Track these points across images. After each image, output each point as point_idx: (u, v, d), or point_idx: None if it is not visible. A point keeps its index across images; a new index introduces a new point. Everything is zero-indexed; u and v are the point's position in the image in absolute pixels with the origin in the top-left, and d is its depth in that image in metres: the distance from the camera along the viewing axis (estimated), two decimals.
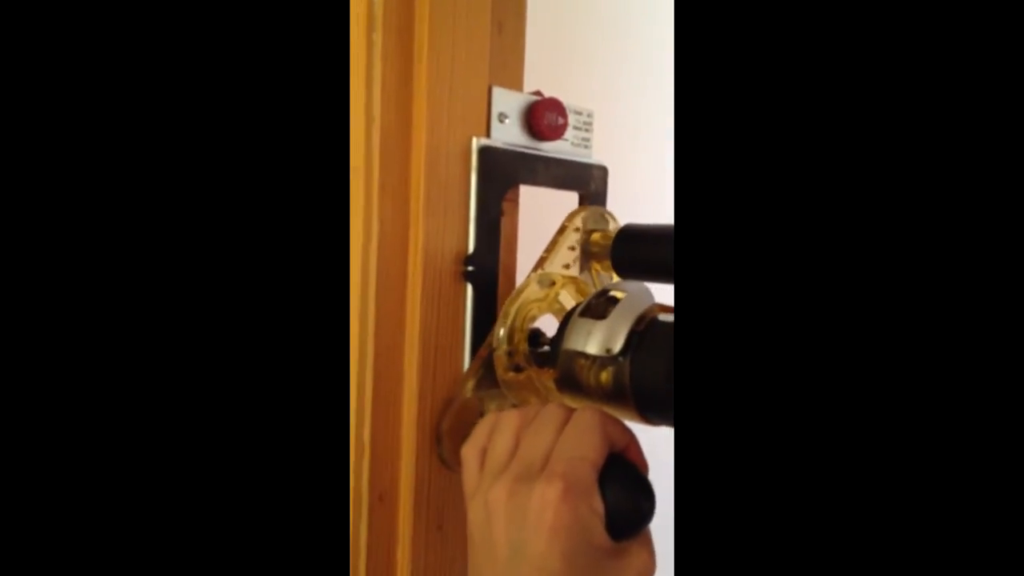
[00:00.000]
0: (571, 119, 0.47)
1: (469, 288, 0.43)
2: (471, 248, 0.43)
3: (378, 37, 0.40)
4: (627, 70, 0.46)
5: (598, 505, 0.31)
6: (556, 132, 0.46)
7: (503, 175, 0.44)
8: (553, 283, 0.44)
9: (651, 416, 0.36)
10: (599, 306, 0.37)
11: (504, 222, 0.44)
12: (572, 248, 0.47)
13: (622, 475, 0.33)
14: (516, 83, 0.46)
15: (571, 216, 0.47)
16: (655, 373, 0.34)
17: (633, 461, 0.34)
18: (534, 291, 0.44)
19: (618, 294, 0.38)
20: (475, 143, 0.42)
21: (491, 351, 0.43)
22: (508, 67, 0.46)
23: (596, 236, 0.47)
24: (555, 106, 0.46)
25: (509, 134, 0.45)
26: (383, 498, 0.42)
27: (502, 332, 0.42)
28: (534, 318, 0.44)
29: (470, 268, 0.43)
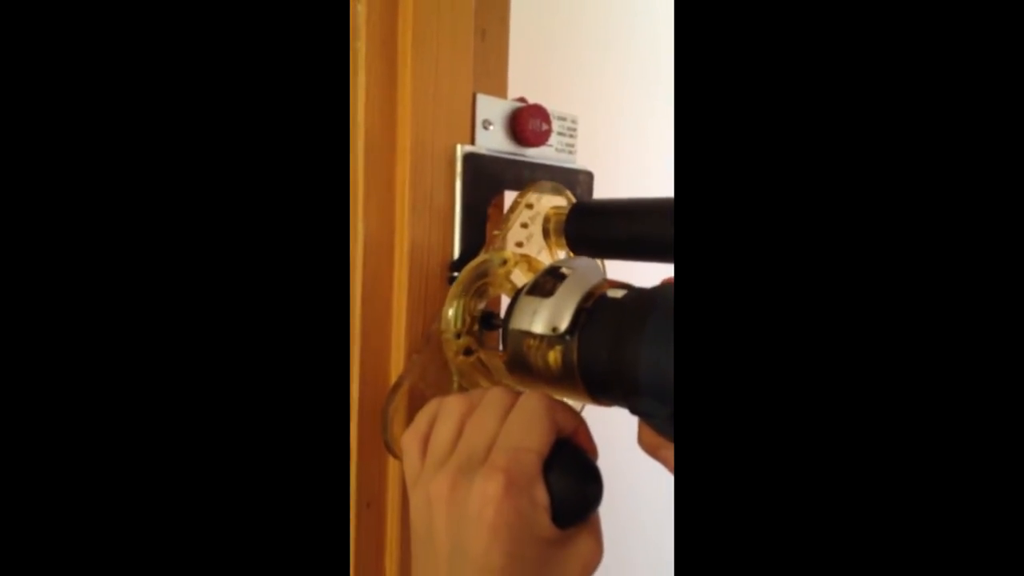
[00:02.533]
0: (555, 125, 0.48)
1: None
2: (456, 254, 0.43)
3: (361, 45, 0.40)
4: (611, 75, 0.47)
5: (542, 496, 0.30)
6: (540, 138, 0.46)
7: (488, 181, 0.44)
8: (505, 261, 0.43)
9: (601, 396, 0.35)
10: (546, 283, 0.36)
11: (489, 228, 0.45)
12: (525, 225, 0.45)
13: (568, 461, 0.32)
14: (500, 90, 0.47)
15: (524, 192, 0.45)
16: (602, 351, 0.33)
17: (581, 446, 0.34)
18: (484, 270, 0.42)
19: (566, 270, 0.36)
20: (460, 150, 0.43)
21: (435, 336, 0.41)
22: (492, 74, 0.46)
23: (551, 212, 0.46)
24: (539, 112, 0.46)
25: (494, 141, 0.45)
26: (371, 505, 0.42)
27: (450, 313, 0.41)
28: (486, 299, 0.42)
29: (455, 274, 0.43)
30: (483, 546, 0.29)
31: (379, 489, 0.42)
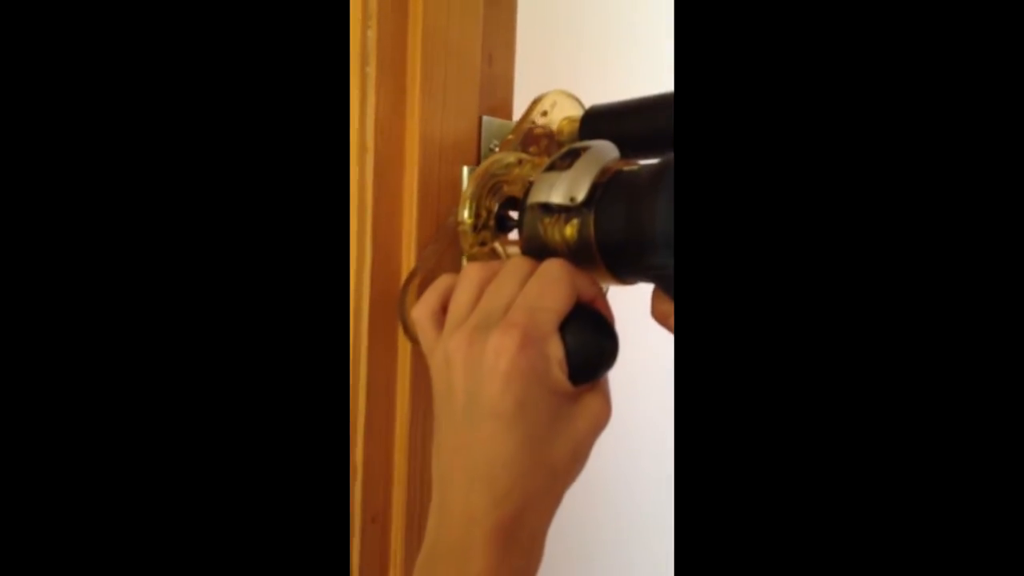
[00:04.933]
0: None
1: None
2: None
3: (371, 70, 0.41)
4: (615, 98, 0.48)
5: (556, 351, 0.31)
6: None
7: None
8: (521, 161, 0.43)
9: (619, 272, 0.35)
10: (563, 160, 0.36)
11: None
12: (539, 132, 0.45)
13: (585, 320, 0.33)
14: (506, 113, 0.47)
15: (537, 99, 0.45)
16: (619, 217, 0.33)
17: (599, 310, 0.34)
18: (499, 165, 0.42)
19: (582, 148, 0.37)
20: (466, 172, 0.44)
21: (451, 229, 0.42)
22: (498, 97, 0.47)
23: (563, 123, 0.46)
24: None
25: None
26: (376, 519, 0.42)
27: (465, 213, 0.42)
28: (502, 197, 0.43)
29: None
30: (496, 394, 0.31)
31: (385, 503, 0.43)
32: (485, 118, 0.45)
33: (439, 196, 0.43)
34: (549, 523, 0.33)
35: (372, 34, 0.41)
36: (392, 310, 0.42)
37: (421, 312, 0.36)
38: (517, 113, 0.48)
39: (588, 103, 0.47)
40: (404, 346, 0.43)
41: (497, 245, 0.42)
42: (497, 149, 0.45)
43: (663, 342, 0.38)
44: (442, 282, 0.37)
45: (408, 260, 0.42)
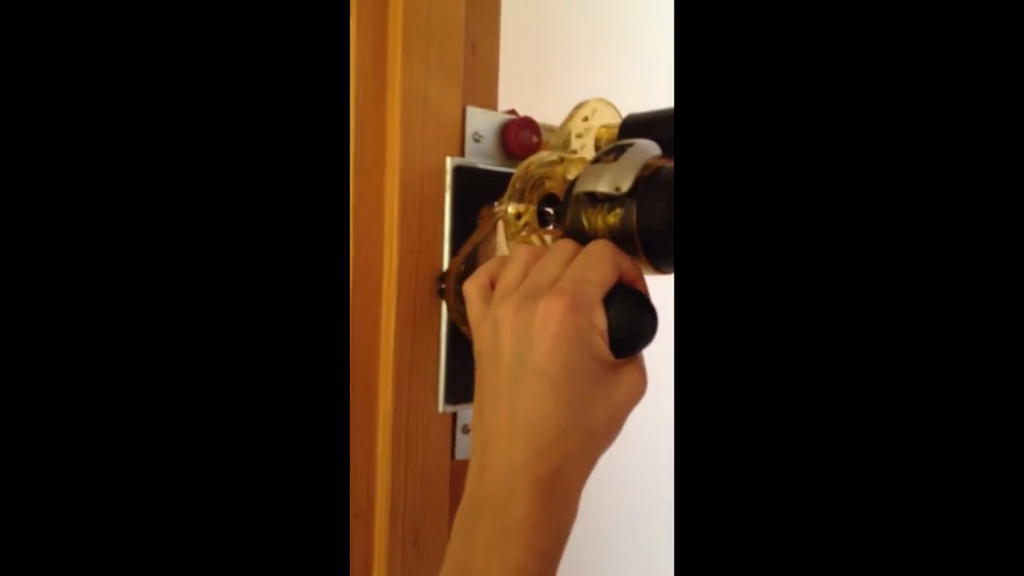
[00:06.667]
0: (545, 137, 0.48)
1: (444, 305, 0.43)
2: (446, 266, 0.43)
3: (352, 58, 0.40)
4: (602, 88, 0.47)
5: (600, 321, 0.33)
6: (530, 150, 0.46)
7: (478, 194, 0.44)
8: (562, 159, 0.45)
9: (657, 260, 0.37)
10: (609, 154, 0.38)
11: (475, 238, 0.45)
12: (580, 136, 0.47)
13: (627, 296, 0.34)
14: (490, 102, 0.47)
15: (580, 105, 0.47)
16: (660, 213, 0.35)
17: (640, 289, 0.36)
18: (542, 162, 0.44)
19: (628, 144, 0.39)
20: (449, 163, 0.43)
21: (498, 218, 0.44)
22: (482, 87, 0.46)
23: (602, 131, 0.48)
24: (529, 125, 0.46)
25: (484, 153, 0.45)
26: (359, 516, 0.42)
27: (510, 207, 0.43)
28: (543, 193, 0.44)
29: (444, 286, 0.43)
30: (545, 354, 0.32)
31: (368, 500, 0.42)
32: (469, 108, 0.44)
33: (422, 187, 0.42)
34: (583, 484, 0.34)
35: (352, 22, 0.40)
36: (375, 305, 0.42)
37: (471, 286, 0.38)
38: (502, 103, 0.48)
39: (575, 94, 0.47)
40: (387, 341, 0.42)
41: (535, 238, 0.44)
42: (480, 140, 0.45)
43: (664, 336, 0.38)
44: (492, 263, 0.39)
45: (390, 252, 0.41)
